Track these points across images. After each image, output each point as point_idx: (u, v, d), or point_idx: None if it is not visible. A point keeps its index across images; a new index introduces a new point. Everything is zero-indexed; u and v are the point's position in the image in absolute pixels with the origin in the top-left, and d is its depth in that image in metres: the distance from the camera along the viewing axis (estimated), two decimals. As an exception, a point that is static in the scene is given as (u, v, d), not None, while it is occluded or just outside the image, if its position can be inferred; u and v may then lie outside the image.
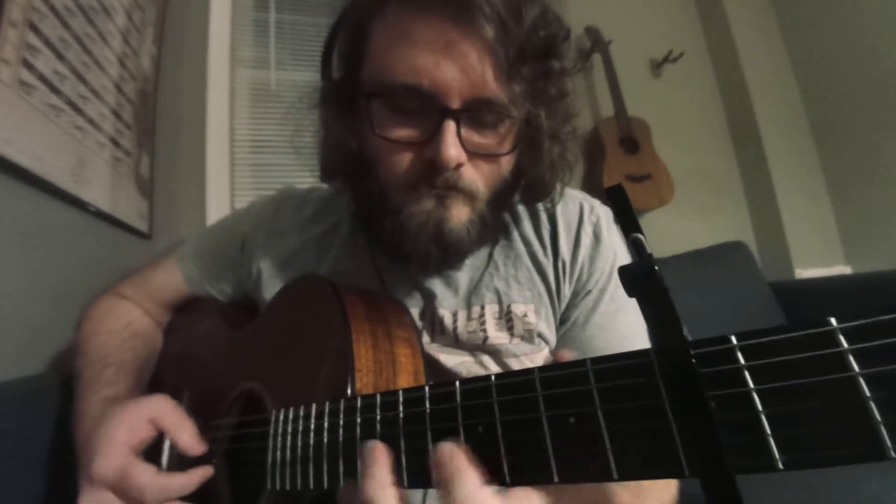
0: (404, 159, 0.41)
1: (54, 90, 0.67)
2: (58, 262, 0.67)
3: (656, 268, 0.21)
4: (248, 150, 1.32)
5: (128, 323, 0.58)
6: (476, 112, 0.40)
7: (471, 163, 0.41)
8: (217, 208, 1.20)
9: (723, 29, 1.70)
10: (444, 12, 0.36)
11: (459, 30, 0.36)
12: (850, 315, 0.17)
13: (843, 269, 1.54)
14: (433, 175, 0.40)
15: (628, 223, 0.23)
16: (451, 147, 0.38)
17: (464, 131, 0.39)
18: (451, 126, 0.38)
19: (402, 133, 0.41)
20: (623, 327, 0.49)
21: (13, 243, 0.58)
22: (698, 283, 1.27)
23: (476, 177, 0.42)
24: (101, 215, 0.81)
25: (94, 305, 0.60)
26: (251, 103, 1.36)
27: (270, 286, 0.54)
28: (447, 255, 0.44)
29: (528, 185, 0.48)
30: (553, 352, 0.31)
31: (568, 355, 0.29)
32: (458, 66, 0.37)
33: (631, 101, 1.50)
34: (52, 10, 0.66)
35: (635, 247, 0.22)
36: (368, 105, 0.41)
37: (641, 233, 0.22)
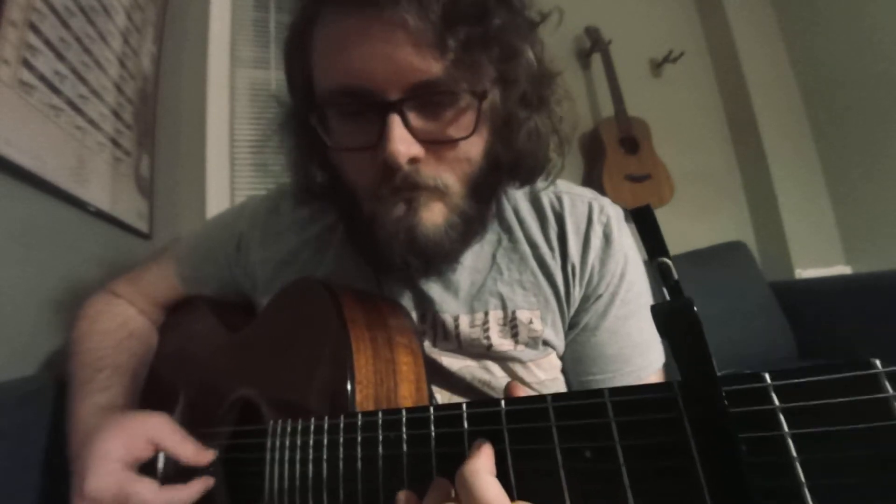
0: (363, 165, 0.40)
1: (54, 90, 0.67)
2: (58, 262, 0.67)
3: (694, 307, 0.19)
4: (248, 150, 1.32)
5: (122, 323, 0.57)
6: (420, 99, 0.38)
7: (431, 154, 0.39)
8: (217, 208, 1.20)
9: (723, 29, 1.70)
10: (364, 9, 0.36)
11: (381, 22, 0.36)
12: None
13: (843, 269, 1.54)
14: (391, 175, 0.38)
15: (655, 246, 0.21)
16: (399, 143, 0.37)
17: (413, 121, 0.38)
18: (395, 120, 0.37)
19: (355, 140, 0.40)
20: (635, 333, 0.48)
21: (13, 243, 0.58)
22: (698, 283, 1.27)
23: (439, 170, 0.40)
24: (100, 215, 0.81)
25: (88, 304, 0.59)
26: (251, 103, 1.36)
27: (269, 287, 0.54)
28: (429, 260, 0.42)
29: (516, 164, 0.45)
30: (508, 385, 0.30)
31: (520, 391, 0.28)
32: (387, 57, 0.36)
33: (631, 101, 1.50)
34: (52, 10, 0.66)
35: (661, 272, 0.21)
36: (321, 118, 0.41)
37: (668, 256, 0.21)
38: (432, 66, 0.36)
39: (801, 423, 0.17)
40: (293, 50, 0.44)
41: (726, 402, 0.18)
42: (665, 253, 0.21)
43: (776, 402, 0.18)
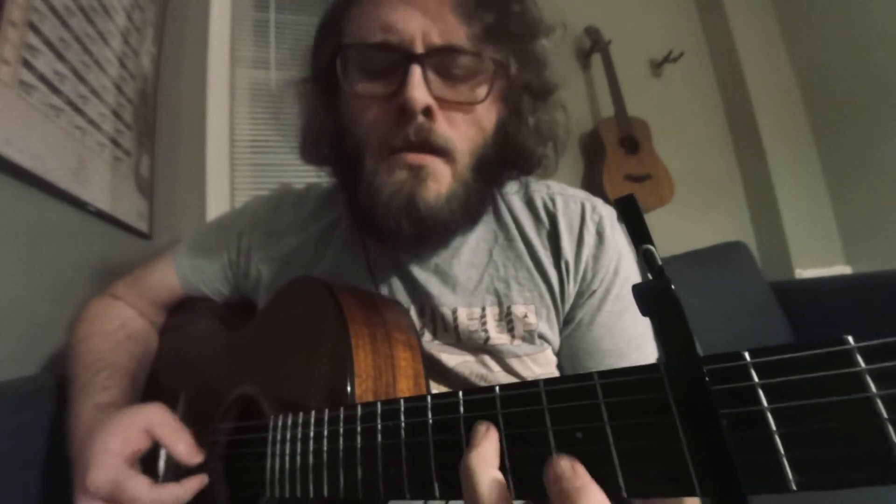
0: (376, 114, 0.42)
1: (54, 90, 0.67)
2: (58, 262, 0.67)
3: (672, 286, 0.20)
4: (248, 150, 1.32)
5: (121, 324, 0.57)
6: (442, 59, 0.41)
7: (444, 115, 0.42)
8: (217, 208, 1.20)
9: (723, 29, 1.70)
10: None
11: None
12: (865, 332, 0.17)
13: (843, 269, 1.54)
14: (404, 125, 0.40)
15: (639, 234, 0.22)
16: (417, 88, 0.39)
17: (431, 77, 0.40)
18: (416, 69, 0.40)
19: (373, 88, 0.42)
20: (630, 328, 0.49)
21: (13, 243, 0.58)
22: (698, 283, 1.27)
23: (451, 133, 0.42)
24: (101, 215, 0.81)
25: (87, 307, 0.59)
26: (251, 103, 1.35)
27: (272, 286, 0.54)
28: (422, 229, 0.42)
29: (515, 154, 0.48)
30: None
31: None
32: (420, 16, 0.40)
33: (631, 101, 1.50)
34: (52, 10, 0.66)
35: (646, 259, 0.21)
36: (342, 66, 0.43)
37: (652, 244, 0.21)
38: (459, 34, 0.41)
39: (780, 398, 0.18)
40: (334, 8, 0.47)
41: (707, 380, 0.19)
42: (649, 241, 0.22)
43: (755, 378, 0.18)
